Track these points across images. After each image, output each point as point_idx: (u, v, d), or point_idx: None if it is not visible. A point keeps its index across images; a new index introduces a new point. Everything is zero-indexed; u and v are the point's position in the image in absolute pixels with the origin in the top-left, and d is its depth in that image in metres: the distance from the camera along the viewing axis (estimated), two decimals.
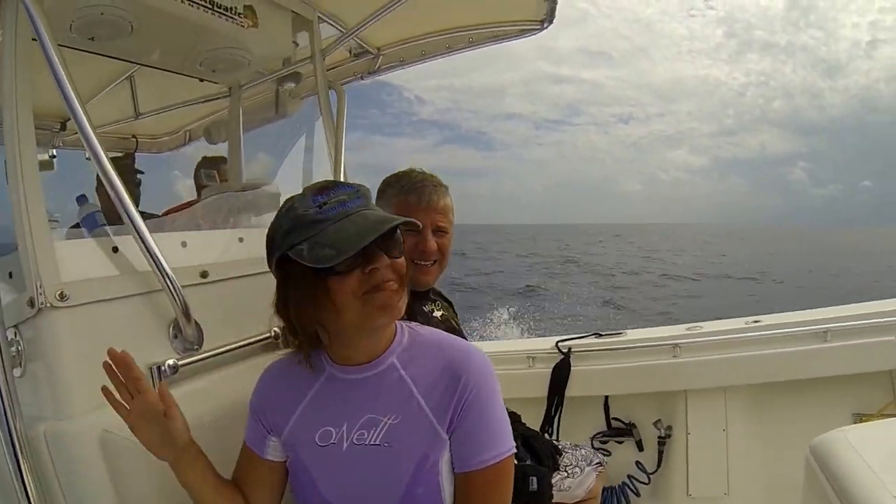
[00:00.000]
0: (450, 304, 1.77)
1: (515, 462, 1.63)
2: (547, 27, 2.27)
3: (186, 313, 1.15)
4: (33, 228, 1.05)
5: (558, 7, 2.16)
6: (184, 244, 1.36)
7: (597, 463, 1.85)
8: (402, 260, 1.02)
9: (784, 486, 2.11)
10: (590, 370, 2.43)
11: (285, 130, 2.31)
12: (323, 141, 1.97)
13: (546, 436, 2.24)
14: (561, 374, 2.43)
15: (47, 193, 1.12)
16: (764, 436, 2.31)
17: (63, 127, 2.50)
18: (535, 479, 1.57)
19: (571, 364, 2.43)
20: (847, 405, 2.21)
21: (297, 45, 2.00)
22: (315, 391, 1.09)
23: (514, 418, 1.86)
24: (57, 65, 1.06)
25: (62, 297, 1.04)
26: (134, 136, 2.93)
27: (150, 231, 1.12)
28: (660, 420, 2.41)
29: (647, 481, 2.37)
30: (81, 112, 1.08)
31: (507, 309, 15.18)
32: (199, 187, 2.60)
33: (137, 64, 1.96)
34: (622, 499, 2.35)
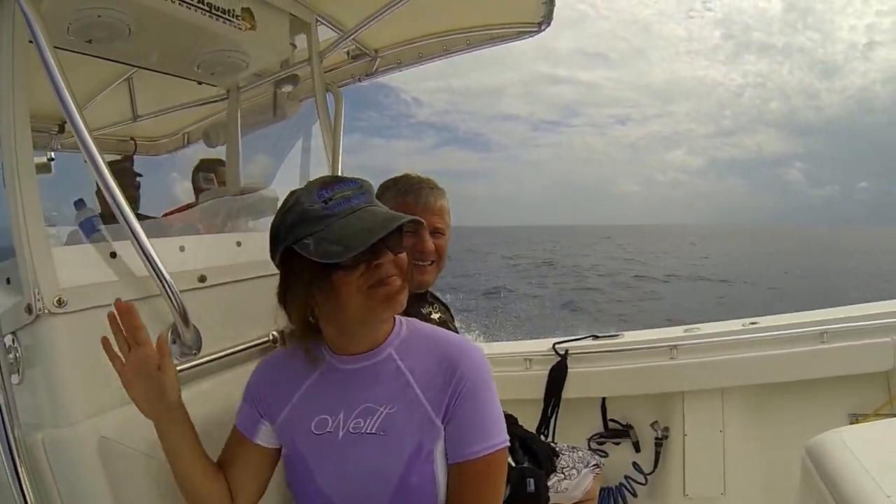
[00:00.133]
0: (447, 307, 1.77)
1: (513, 464, 1.65)
2: (544, 29, 2.27)
3: (185, 318, 1.14)
4: (30, 234, 1.04)
5: (556, 9, 2.16)
6: (182, 248, 1.36)
7: (594, 465, 1.86)
8: (404, 255, 1.04)
9: (780, 487, 2.12)
10: (587, 372, 2.44)
11: (283, 133, 2.30)
12: (321, 143, 1.96)
13: (542, 437, 2.25)
14: (558, 375, 2.43)
15: (45, 197, 1.12)
16: (760, 436, 2.32)
17: (61, 129, 2.49)
18: (532, 480, 1.58)
19: (568, 366, 2.44)
20: (843, 406, 2.22)
21: (294, 47, 2.00)
22: (312, 380, 1.10)
23: (511, 420, 1.87)
24: (53, 67, 1.06)
25: (60, 303, 1.04)
26: (132, 139, 2.93)
27: (148, 235, 1.12)
28: (657, 421, 2.42)
29: (643, 482, 2.38)
30: (78, 115, 1.07)
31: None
32: (197, 190, 2.60)
33: (135, 66, 1.96)
34: (619, 499, 2.36)
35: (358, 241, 0.94)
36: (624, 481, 2.38)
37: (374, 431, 1.04)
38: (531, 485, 1.57)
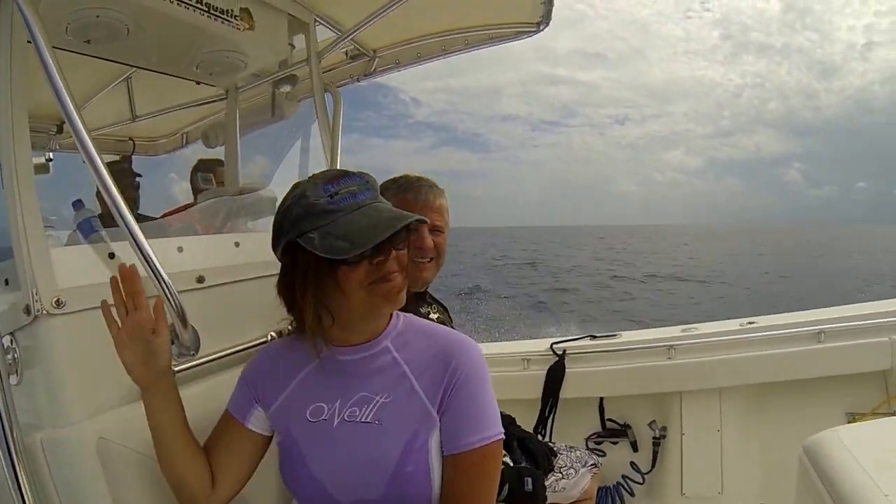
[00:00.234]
0: (445, 308, 1.78)
1: (511, 464, 1.65)
2: (543, 29, 2.27)
3: (183, 319, 1.14)
4: (29, 234, 1.05)
5: (555, 9, 2.16)
6: (180, 249, 1.36)
7: (591, 464, 1.86)
8: (404, 252, 1.05)
9: (777, 486, 2.12)
10: (584, 372, 2.44)
11: (282, 133, 2.31)
12: (319, 143, 1.97)
13: (540, 437, 2.25)
14: (556, 375, 2.44)
15: (44, 198, 1.12)
16: (758, 436, 2.33)
17: (59, 130, 2.49)
18: (530, 479, 1.58)
19: (566, 366, 2.44)
20: (840, 405, 2.22)
21: (293, 47, 2.00)
22: (309, 369, 1.11)
23: (509, 420, 1.87)
24: (52, 68, 1.06)
25: (58, 304, 1.04)
26: (130, 139, 2.93)
27: (147, 236, 1.12)
28: (654, 421, 2.42)
29: (641, 481, 2.38)
30: (77, 115, 1.07)
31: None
32: (196, 191, 2.60)
33: (134, 67, 1.96)
34: (617, 499, 2.37)
35: (364, 238, 0.95)
36: (621, 481, 2.39)
37: (369, 420, 1.05)
38: (529, 484, 1.57)
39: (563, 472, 1.78)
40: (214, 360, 1.32)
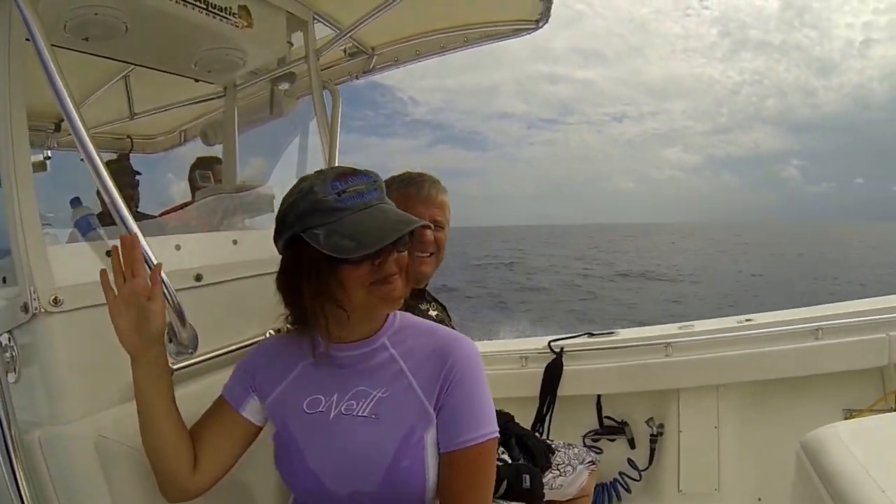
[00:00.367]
0: (443, 307, 1.79)
1: (509, 461, 1.65)
2: (542, 26, 2.27)
3: (181, 317, 1.14)
4: (26, 232, 1.04)
5: (553, 6, 2.16)
6: (178, 247, 1.36)
7: (589, 461, 1.87)
8: (405, 254, 1.05)
9: (774, 482, 2.13)
10: (582, 369, 2.45)
11: (280, 130, 2.30)
12: (317, 141, 1.97)
13: (538, 435, 2.26)
14: (553, 373, 2.44)
15: (43, 196, 1.12)
16: (755, 433, 2.34)
17: (57, 128, 2.49)
18: (527, 476, 1.59)
19: (564, 363, 2.45)
20: (838, 402, 2.23)
21: (291, 45, 2.00)
22: (307, 363, 1.11)
23: (507, 418, 1.88)
24: (50, 65, 1.05)
25: (56, 302, 1.04)
26: (128, 137, 2.91)
27: (145, 234, 1.11)
28: (652, 418, 2.43)
29: (638, 478, 2.39)
30: (75, 113, 1.07)
31: None
32: (194, 188, 2.60)
33: (132, 64, 1.96)
34: (614, 496, 2.38)
35: (371, 239, 0.96)
36: (619, 478, 2.40)
37: (366, 414, 1.05)
38: (527, 481, 1.58)
39: (561, 470, 1.79)
40: (212, 358, 1.32)
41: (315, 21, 1.99)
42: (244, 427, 1.12)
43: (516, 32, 2.32)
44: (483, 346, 2.71)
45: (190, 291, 1.29)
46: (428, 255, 1.63)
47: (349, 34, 2.11)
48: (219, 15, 1.63)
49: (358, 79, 2.45)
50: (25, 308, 1.03)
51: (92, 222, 1.31)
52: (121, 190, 1.12)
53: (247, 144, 2.31)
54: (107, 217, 1.20)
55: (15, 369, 1.09)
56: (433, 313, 1.71)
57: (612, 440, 2.51)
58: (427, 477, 1.05)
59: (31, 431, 1.04)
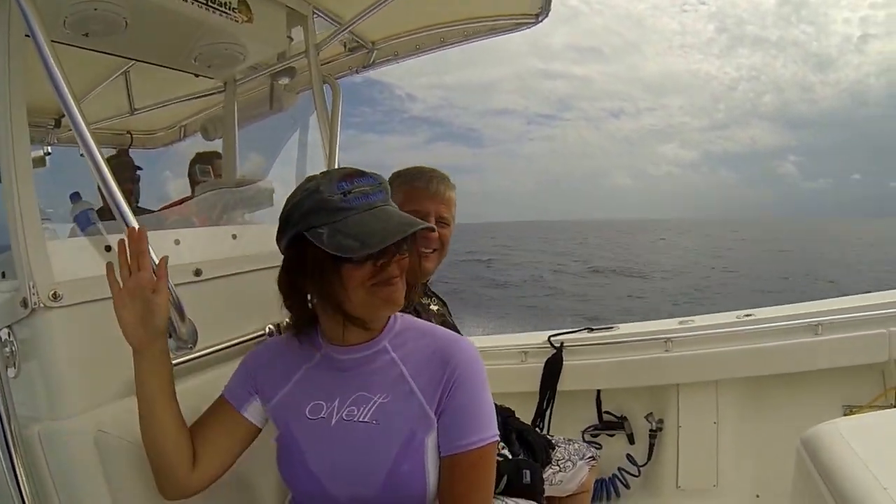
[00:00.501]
0: (444, 303, 1.79)
1: (510, 456, 1.66)
2: (542, 20, 2.26)
3: (180, 312, 1.14)
4: (26, 228, 1.05)
5: (552, 1, 2.16)
6: (177, 242, 1.36)
7: (589, 457, 1.87)
8: (407, 258, 1.05)
9: (773, 479, 2.13)
10: (582, 364, 2.45)
11: (280, 125, 2.30)
12: (317, 136, 1.97)
13: (537, 430, 2.26)
14: (553, 368, 2.44)
15: (43, 192, 1.12)
16: (755, 428, 2.34)
17: (57, 124, 2.48)
18: (528, 472, 1.59)
19: (563, 358, 2.45)
20: (838, 398, 2.23)
21: (291, 39, 1.99)
22: (309, 367, 1.12)
23: (508, 413, 1.88)
24: (50, 61, 1.05)
25: (55, 297, 1.04)
26: (128, 132, 2.91)
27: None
28: (651, 413, 2.43)
29: (637, 474, 2.40)
30: (76, 109, 1.07)
31: None
32: (194, 183, 2.60)
33: (132, 60, 1.95)
34: (612, 491, 2.38)
35: (375, 239, 0.96)
36: (618, 473, 2.40)
37: (367, 420, 1.05)
38: (527, 476, 1.58)
39: (561, 465, 1.79)
40: (212, 353, 1.32)
41: (315, 15, 1.98)
42: (245, 427, 1.13)
43: (517, 27, 2.31)
44: (483, 342, 2.72)
45: (189, 286, 1.28)
46: (431, 251, 1.63)
47: (349, 28, 2.11)
48: (219, 10, 1.62)
49: (358, 73, 2.45)
50: (25, 303, 1.03)
51: (91, 217, 1.31)
52: (120, 185, 1.12)
53: (247, 139, 2.31)
54: (107, 212, 1.20)
55: (14, 364, 1.09)
56: (434, 308, 1.72)
57: (612, 435, 2.51)
58: (427, 480, 1.05)
59: (31, 426, 1.04)
